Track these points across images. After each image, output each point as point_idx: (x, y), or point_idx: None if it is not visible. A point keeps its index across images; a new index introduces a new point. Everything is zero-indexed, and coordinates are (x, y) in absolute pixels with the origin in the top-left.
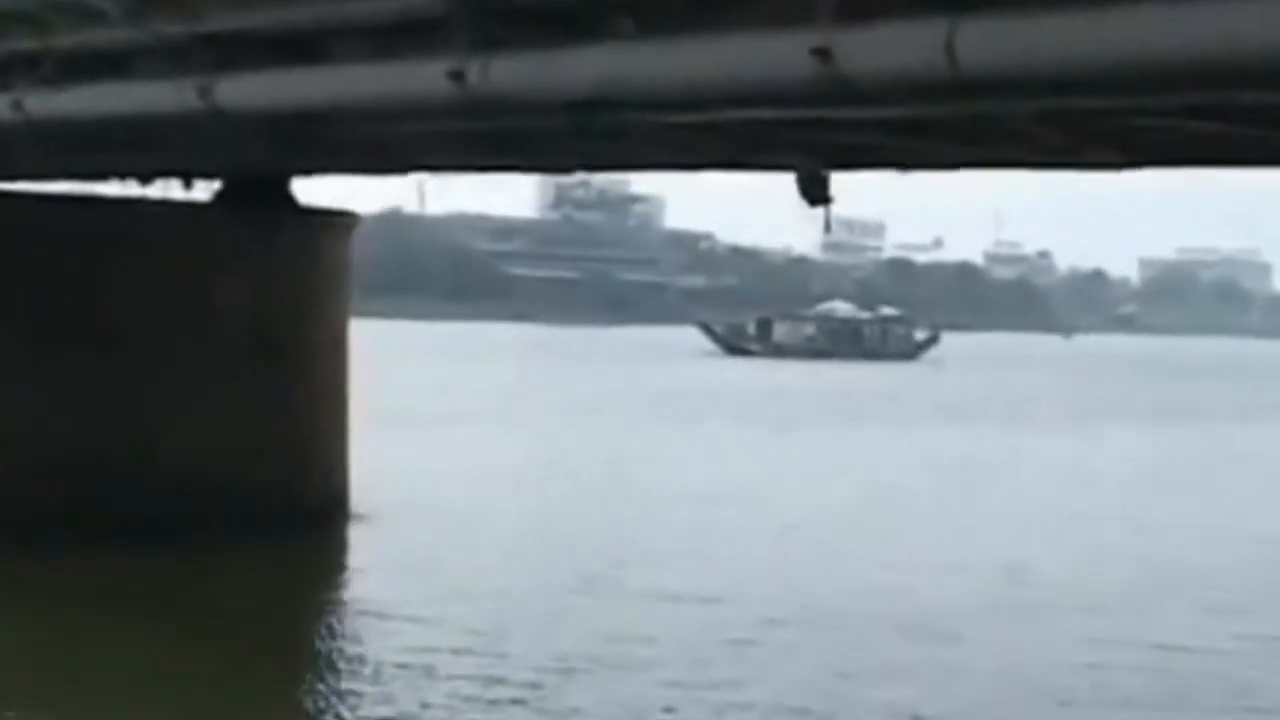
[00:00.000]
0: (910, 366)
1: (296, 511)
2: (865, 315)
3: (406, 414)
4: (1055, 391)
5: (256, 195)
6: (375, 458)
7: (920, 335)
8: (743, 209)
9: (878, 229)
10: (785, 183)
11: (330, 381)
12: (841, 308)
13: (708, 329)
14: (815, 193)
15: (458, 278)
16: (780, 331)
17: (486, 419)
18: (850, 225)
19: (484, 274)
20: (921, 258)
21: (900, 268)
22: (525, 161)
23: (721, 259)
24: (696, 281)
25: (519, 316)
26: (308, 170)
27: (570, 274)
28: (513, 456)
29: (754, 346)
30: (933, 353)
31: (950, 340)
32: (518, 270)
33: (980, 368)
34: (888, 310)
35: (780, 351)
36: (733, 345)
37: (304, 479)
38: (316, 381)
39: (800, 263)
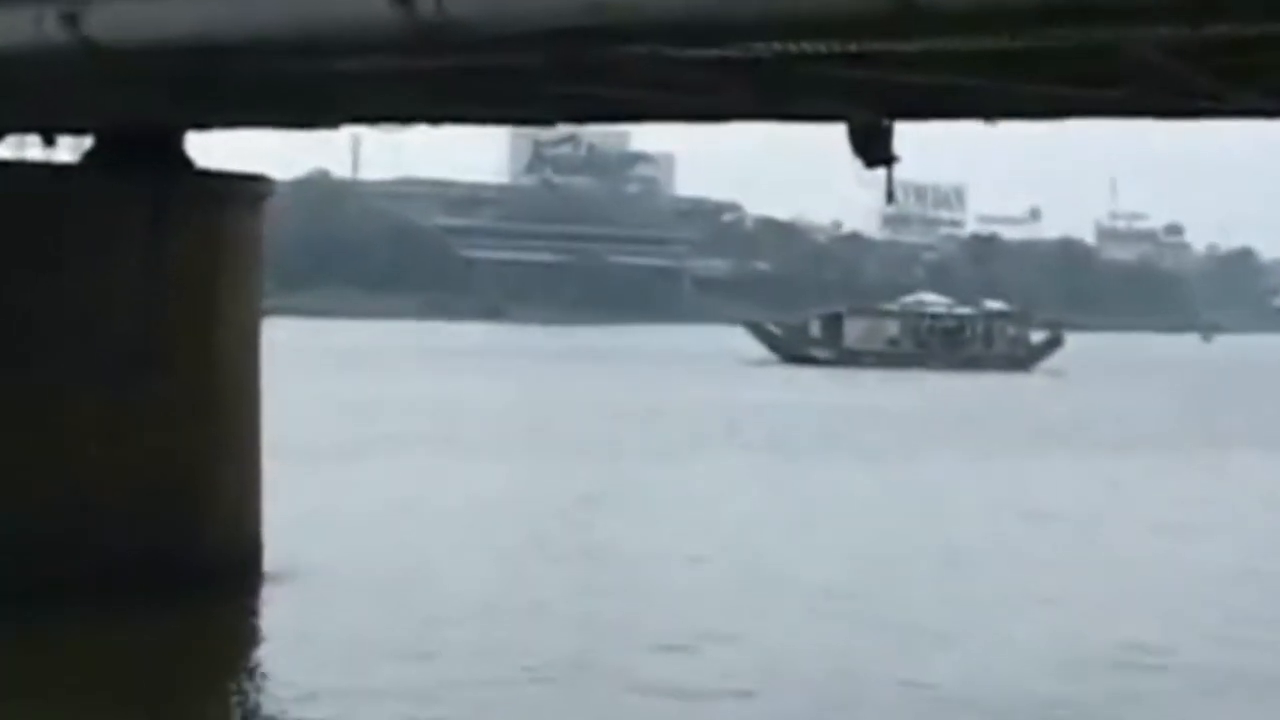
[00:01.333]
0: (1027, 379)
1: (192, 571)
2: (966, 310)
3: (341, 445)
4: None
5: (139, 155)
6: (299, 502)
7: (1037, 337)
8: (778, 172)
9: (956, 197)
10: (834, 137)
11: (237, 400)
12: (933, 300)
13: (758, 329)
14: (874, 150)
15: (402, 263)
16: (854, 332)
17: (449, 452)
18: (920, 192)
19: (438, 258)
20: (1013, 233)
21: (985, 247)
22: (492, 111)
23: (751, 237)
24: (718, 266)
25: (485, 313)
26: (206, 123)
27: (551, 257)
28: (506, 500)
29: (820, 352)
30: (1051, 359)
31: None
32: (482, 253)
33: (1115, 380)
34: (993, 304)
35: (854, 358)
36: (792, 350)
37: (202, 528)
38: (219, 400)
39: (854, 242)
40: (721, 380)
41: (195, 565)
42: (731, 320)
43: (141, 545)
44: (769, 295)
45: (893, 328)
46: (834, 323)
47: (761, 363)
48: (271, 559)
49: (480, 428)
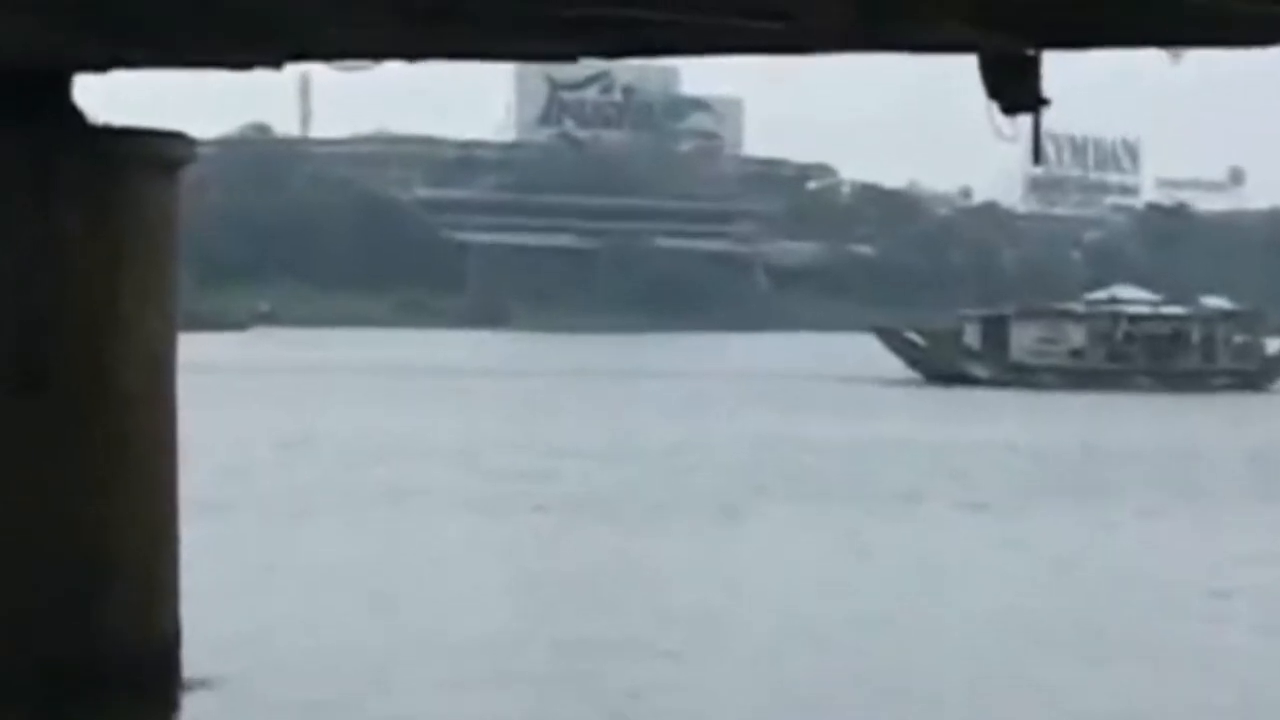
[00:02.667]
0: (1266, 401)
1: (83, 674)
2: (1178, 310)
3: (283, 501)
4: None
5: (11, 106)
6: (233, 578)
7: (1274, 346)
8: (883, 123)
9: (1128, 155)
10: (960, 72)
11: (144, 440)
12: (1132, 297)
13: (893, 338)
14: (1015, 91)
15: (370, 251)
16: (1025, 340)
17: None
18: (1079, 149)
19: (419, 244)
20: (1206, 203)
21: (1168, 221)
22: (492, 41)
23: (847, 212)
24: (803, 252)
25: (483, 318)
26: (101, 63)
27: (573, 241)
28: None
29: (978, 368)
30: None
31: None
32: (480, 236)
33: None
34: (1213, 301)
35: (1025, 376)
36: (940, 366)
37: (98, 617)
38: (120, 440)
39: (989, 216)
40: (867, 410)
41: (88, 667)
42: (821, 325)
43: (12, 639)
44: (874, 291)
45: (1077, 335)
46: (997, 328)
47: (900, 383)
48: (193, 659)
49: (477, 479)
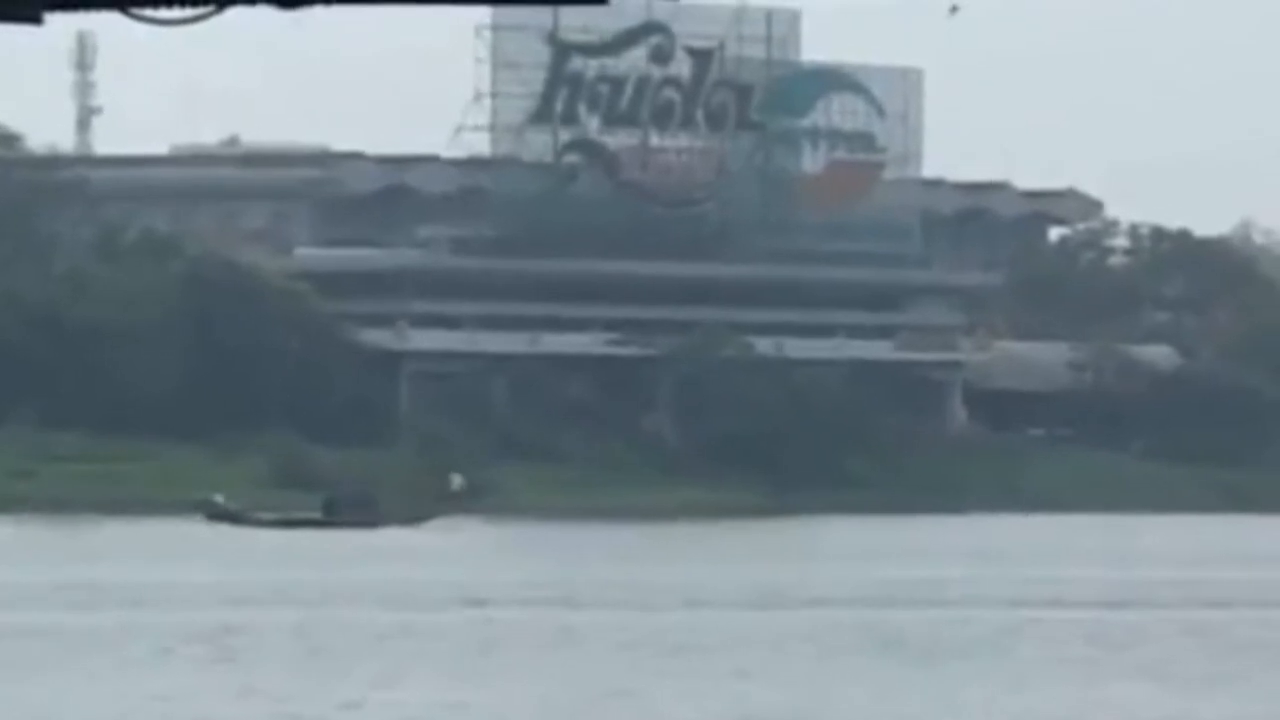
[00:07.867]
0: None
1: None
2: None
3: None
4: None
5: None
6: None
7: None
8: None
9: None
10: None
11: None
12: None
13: None
14: None
15: (210, 373)
16: None
17: None
18: None
19: (302, 357)
20: None
21: None
22: None
23: (1127, 280)
24: (1041, 358)
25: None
26: None
27: (608, 348)
28: None
29: None
30: None
31: None
32: (420, 339)
33: None
34: None
35: None
36: None
37: None
38: None
39: None
40: None
41: None
42: (1075, 498)
43: None
44: (1179, 429)
45: None
46: None
47: None
48: None
49: None
